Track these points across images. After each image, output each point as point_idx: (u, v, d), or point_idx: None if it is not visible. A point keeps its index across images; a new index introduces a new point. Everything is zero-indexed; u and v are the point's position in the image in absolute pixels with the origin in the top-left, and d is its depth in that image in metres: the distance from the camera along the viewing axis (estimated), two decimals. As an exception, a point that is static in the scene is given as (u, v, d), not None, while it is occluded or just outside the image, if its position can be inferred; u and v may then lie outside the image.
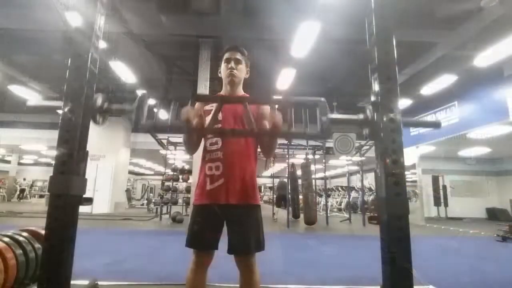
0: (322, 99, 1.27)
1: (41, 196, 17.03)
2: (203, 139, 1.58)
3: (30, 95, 9.40)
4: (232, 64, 1.58)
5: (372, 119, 1.18)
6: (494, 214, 12.03)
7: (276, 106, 1.34)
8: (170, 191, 9.34)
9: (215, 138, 1.51)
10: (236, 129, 1.46)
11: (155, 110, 1.34)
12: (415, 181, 10.65)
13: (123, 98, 11.24)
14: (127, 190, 14.39)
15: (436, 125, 1.35)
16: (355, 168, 13.21)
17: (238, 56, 1.61)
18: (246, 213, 1.46)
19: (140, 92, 1.27)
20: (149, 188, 19.23)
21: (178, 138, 9.67)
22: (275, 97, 1.46)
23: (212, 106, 1.57)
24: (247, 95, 1.67)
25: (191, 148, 1.56)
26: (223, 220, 1.46)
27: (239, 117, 1.52)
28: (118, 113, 1.29)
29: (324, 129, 1.22)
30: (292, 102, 1.36)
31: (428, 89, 8.06)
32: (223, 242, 1.46)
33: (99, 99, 1.21)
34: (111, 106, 1.25)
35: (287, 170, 8.96)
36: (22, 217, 8.22)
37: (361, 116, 1.24)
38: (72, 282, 1.06)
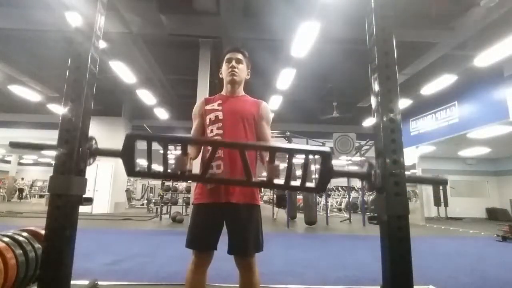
0: (327, 149, 1.12)
1: (41, 196, 17.03)
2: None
3: (30, 95, 9.42)
4: (234, 63, 1.59)
5: (372, 173, 1.13)
6: (494, 214, 12.04)
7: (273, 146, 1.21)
8: (170, 191, 9.34)
9: (216, 137, 1.51)
10: (235, 179, 1.37)
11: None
12: (415, 181, 10.66)
13: (122, 98, 11.29)
14: (127, 190, 14.39)
15: (442, 182, 1.28)
16: (355, 168, 13.19)
17: (239, 56, 1.62)
18: (246, 213, 1.46)
19: (128, 132, 1.15)
20: (149, 188, 19.23)
21: (178, 138, 9.66)
22: (276, 144, 1.29)
23: (213, 106, 1.58)
24: (247, 95, 1.67)
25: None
26: (223, 219, 1.47)
27: (239, 114, 1.54)
28: (107, 155, 1.25)
29: (323, 183, 1.12)
30: (294, 149, 1.18)
31: (428, 89, 8.06)
32: (223, 242, 1.46)
33: (87, 143, 1.19)
34: (99, 149, 1.22)
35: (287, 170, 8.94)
36: (22, 217, 8.23)
37: (364, 169, 1.18)
38: (72, 282, 1.06)
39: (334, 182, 24.71)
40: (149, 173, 1.19)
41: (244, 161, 1.12)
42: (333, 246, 5.23)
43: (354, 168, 1.24)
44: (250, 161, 1.51)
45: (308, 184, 1.15)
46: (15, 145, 1.20)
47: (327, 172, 1.11)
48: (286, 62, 7.07)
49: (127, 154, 1.15)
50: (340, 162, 16.24)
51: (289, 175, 1.13)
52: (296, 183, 1.16)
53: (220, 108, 1.56)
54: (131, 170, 1.14)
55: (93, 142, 1.21)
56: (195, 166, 1.45)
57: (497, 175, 13.01)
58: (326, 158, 1.10)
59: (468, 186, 13.12)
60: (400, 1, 5.11)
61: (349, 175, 1.27)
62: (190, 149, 1.50)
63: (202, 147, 1.55)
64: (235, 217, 1.45)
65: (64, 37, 6.51)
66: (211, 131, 1.53)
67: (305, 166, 1.13)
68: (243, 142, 1.40)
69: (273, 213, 9.62)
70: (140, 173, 1.19)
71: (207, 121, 1.56)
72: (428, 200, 12.18)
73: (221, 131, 1.51)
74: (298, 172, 9.50)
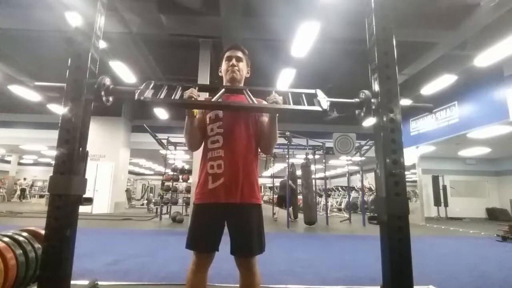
0: (318, 90, 1.41)
1: (41, 196, 17.03)
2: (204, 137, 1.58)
3: (30, 95, 9.41)
4: (234, 61, 1.58)
5: (365, 102, 1.27)
6: (494, 214, 12.04)
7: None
8: (170, 191, 9.34)
9: (216, 136, 1.50)
10: (238, 102, 1.50)
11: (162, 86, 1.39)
12: (415, 181, 10.67)
13: (122, 99, 11.28)
14: (127, 190, 14.39)
15: (428, 109, 1.40)
16: (355, 168, 13.22)
17: (239, 54, 1.62)
18: (247, 213, 1.46)
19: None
20: (149, 188, 19.23)
21: (178, 138, 9.68)
22: (275, 90, 1.46)
23: None
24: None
25: (193, 143, 1.53)
26: (224, 219, 1.46)
27: (240, 115, 1.54)
28: (123, 94, 1.31)
29: (324, 106, 1.30)
30: (290, 92, 1.45)
31: (428, 89, 8.06)
32: (224, 242, 1.46)
33: (106, 80, 1.24)
34: (116, 87, 1.28)
35: (287, 170, 8.95)
36: (22, 217, 8.22)
37: (357, 99, 1.32)
38: (72, 282, 1.06)
39: (334, 182, 24.75)
40: (157, 100, 1.28)
41: (247, 96, 1.32)
42: (333, 246, 5.23)
43: (349, 100, 1.41)
44: (250, 160, 1.51)
45: (311, 106, 1.38)
46: (40, 88, 1.30)
47: (325, 100, 1.32)
48: (286, 62, 7.07)
49: (142, 89, 1.24)
50: (340, 162, 16.25)
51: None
52: (301, 107, 1.38)
53: None
54: (141, 95, 1.23)
55: (108, 81, 1.24)
56: (195, 168, 1.44)
57: (497, 175, 13.01)
58: (320, 94, 1.39)
59: (468, 186, 13.12)
60: (400, 1, 5.11)
61: (344, 104, 1.42)
62: (195, 137, 1.53)
63: (204, 148, 1.55)
64: (237, 217, 1.45)
65: (64, 37, 6.51)
66: (212, 129, 1.52)
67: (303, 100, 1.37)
68: (246, 87, 1.51)
69: (273, 213, 9.61)
70: (149, 99, 1.25)
71: (207, 119, 1.55)
72: (428, 200, 12.18)
73: (221, 130, 1.50)
74: (298, 174, 9.52)
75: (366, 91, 1.27)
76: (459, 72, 7.39)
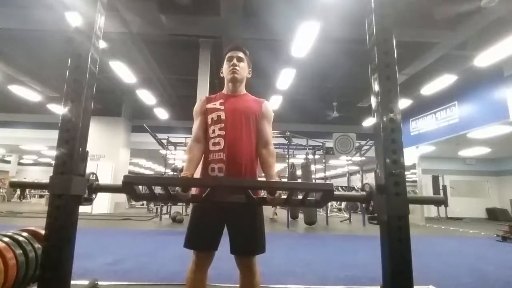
0: (330, 187, 1.17)
1: (41, 196, 17.01)
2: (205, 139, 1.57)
3: (30, 95, 9.42)
4: (235, 61, 1.57)
5: (371, 196, 1.18)
6: (494, 214, 12.03)
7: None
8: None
9: (217, 138, 1.50)
10: (237, 201, 1.35)
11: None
12: (415, 181, 10.66)
13: (122, 98, 11.29)
14: (127, 190, 14.38)
15: (441, 202, 1.32)
16: (355, 168, 13.22)
17: (241, 54, 1.61)
18: (248, 213, 1.46)
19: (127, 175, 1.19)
20: (149, 188, 19.11)
21: (178, 138, 9.68)
22: (279, 182, 1.33)
23: (215, 104, 1.57)
24: (248, 94, 1.66)
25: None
26: (224, 220, 1.46)
27: (241, 113, 1.53)
28: (108, 191, 1.35)
29: (323, 202, 1.24)
30: (297, 188, 1.24)
31: (428, 89, 8.06)
32: (224, 242, 1.46)
33: (88, 178, 1.20)
34: (100, 185, 1.26)
35: (287, 170, 8.95)
36: (22, 217, 8.22)
37: (363, 193, 1.23)
38: (72, 282, 1.06)
39: (334, 182, 24.72)
40: (152, 197, 1.30)
41: (248, 195, 1.20)
42: (333, 246, 5.23)
43: (354, 194, 1.32)
44: (251, 162, 1.51)
45: (310, 202, 1.24)
46: (15, 185, 1.35)
47: (328, 198, 1.21)
48: (286, 62, 7.07)
49: (127, 191, 1.20)
50: (340, 162, 16.25)
51: (290, 200, 1.21)
52: (296, 200, 1.27)
53: (222, 107, 1.55)
54: (135, 197, 1.23)
55: (94, 177, 1.22)
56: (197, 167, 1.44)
57: (497, 175, 13.00)
58: (329, 193, 1.18)
59: (468, 186, 13.11)
60: (400, 1, 5.11)
61: (349, 199, 1.34)
62: (193, 153, 1.49)
63: (205, 149, 1.54)
64: (237, 217, 1.45)
65: (64, 37, 6.51)
66: (213, 131, 1.51)
67: (305, 198, 1.19)
68: (246, 181, 1.39)
69: (273, 213, 9.61)
70: (145, 197, 1.29)
71: (209, 120, 1.54)
72: (428, 200, 12.16)
73: (223, 132, 1.49)
74: (299, 174, 9.51)
75: (371, 183, 1.20)
76: (459, 72, 7.39)
